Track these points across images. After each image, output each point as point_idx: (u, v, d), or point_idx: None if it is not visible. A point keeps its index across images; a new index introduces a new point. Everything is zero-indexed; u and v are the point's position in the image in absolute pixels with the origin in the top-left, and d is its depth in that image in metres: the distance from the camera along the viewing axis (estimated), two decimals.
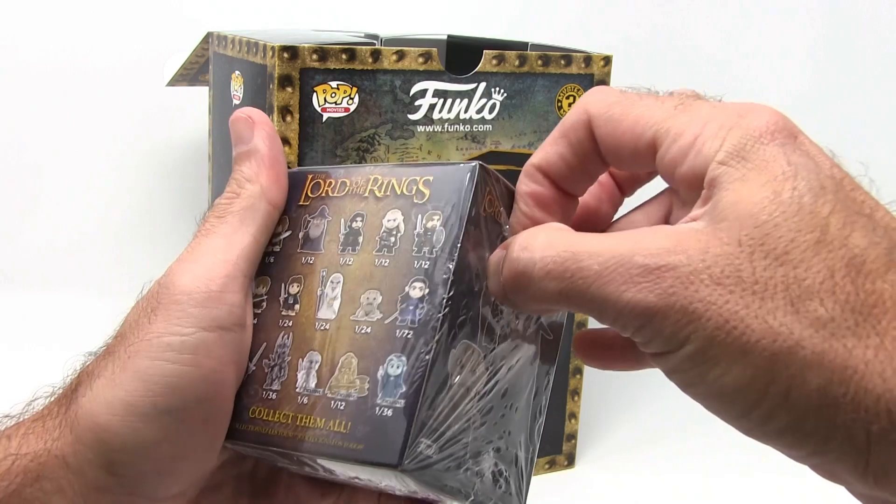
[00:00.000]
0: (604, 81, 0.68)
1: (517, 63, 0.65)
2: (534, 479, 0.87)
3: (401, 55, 0.61)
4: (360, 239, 0.33)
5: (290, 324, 0.33)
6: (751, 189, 0.25)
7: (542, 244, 0.27)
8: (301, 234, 0.34)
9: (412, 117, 0.62)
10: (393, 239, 0.32)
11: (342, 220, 0.34)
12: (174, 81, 0.87)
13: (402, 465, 0.28)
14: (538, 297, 0.27)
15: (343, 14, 0.98)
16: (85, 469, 0.31)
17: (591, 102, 0.30)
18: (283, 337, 0.33)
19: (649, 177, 0.33)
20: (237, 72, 0.67)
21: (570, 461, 0.77)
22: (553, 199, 0.31)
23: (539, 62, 0.65)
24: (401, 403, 0.29)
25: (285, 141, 0.60)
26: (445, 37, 0.79)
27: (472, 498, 0.31)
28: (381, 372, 0.30)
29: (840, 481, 0.25)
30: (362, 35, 0.72)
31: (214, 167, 0.77)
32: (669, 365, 0.25)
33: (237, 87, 0.67)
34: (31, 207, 1.01)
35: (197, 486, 0.35)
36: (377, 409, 0.29)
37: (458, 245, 0.30)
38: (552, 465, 0.76)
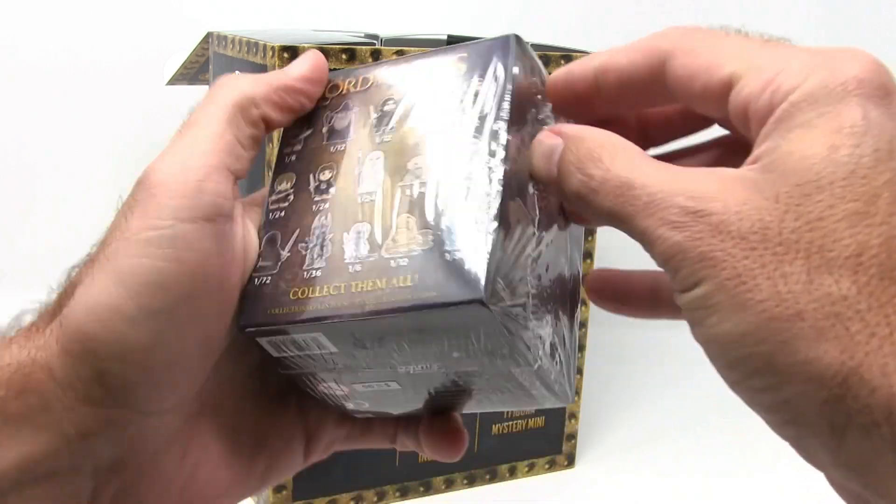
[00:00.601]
0: None
1: None
2: (534, 479, 0.87)
3: (401, 55, 0.61)
4: (395, 118, 0.33)
5: (327, 206, 0.32)
6: (810, 140, 0.24)
7: (607, 163, 0.27)
8: (325, 129, 0.34)
9: None
10: (433, 109, 0.32)
11: (371, 107, 0.34)
12: (174, 80, 0.87)
13: (487, 300, 0.27)
14: (592, 209, 0.27)
15: (343, 14, 0.98)
16: (73, 382, 0.29)
17: (671, 34, 0.29)
18: (319, 219, 0.32)
19: (687, 126, 0.32)
20: (237, 72, 0.67)
21: (570, 461, 0.77)
22: (591, 92, 0.31)
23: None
24: (474, 244, 0.28)
25: None
26: (445, 37, 0.79)
27: (539, 364, 0.31)
28: (444, 222, 0.29)
29: (817, 463, 0.25)
30: (362, 35, 0.72)
31: None
32: (681, 302, 0.25)
33: None
34: (30, 207, 1.01)
35: (195, 401, 0.33)
36: (446, 255, 0.29)
37: (508, 98, 0.31)
38: (552, 465, 0.76)
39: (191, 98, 1.03)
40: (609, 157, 0.27)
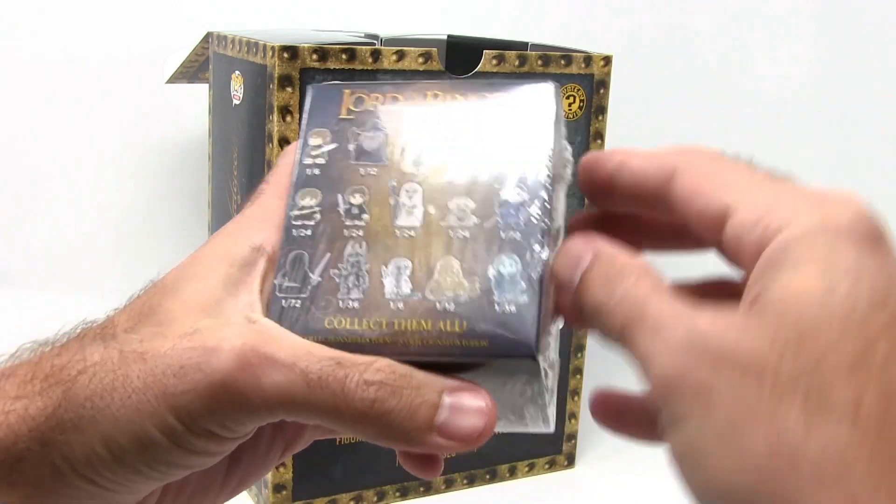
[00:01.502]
0: (604, 81, 0.68)
1: (517, 63, 0.65)
2: (534, 479, 0.87)
3: (401, 55, 0.61)
4: (431, 151, 0.33)
5: (361, 233, 0.32)
6: (804, 280, 0.24)
7: (629, 284, 0.27)
8: (352, 147, 0.34)
9: None
10: (474, 148, 0.33)
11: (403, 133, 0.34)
12: (174, 78, 0.87)
13: (538, 356, 0.29)
14: (603, 323, 0.28)
15: (343, 14, 0.98)
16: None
17: (686, 150, 0.29)
18: (353, 246, 0.32)
19: (692, 243, 0.32)
20: (237, 72, 0.67)
21: (570, 461, 0.77)
22: (609, 185, 0.31)
23: (539, 62, 0.65)
24: (524, 299, 0.30)
25: (285, 141, 0.60)
26: (445, 37, 0.79)
27: (549, 400, 0.32)
28: (491, 272, 0.30)
29: None
30: (362, 35, 0.72)
31: (214, 167, 0.77)
32: (671, 437, 0.25)
33: (237, 87, 0.67)
34: (30, 207, 1.01)
35: None
36: (496, 306, 0.30)
37: (551, 154, 0.32)
38: (552, 465, 0.76)
39: (191, 97, 1.03)
40: (633, 280, 0.28)
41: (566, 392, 0.74)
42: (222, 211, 0.75)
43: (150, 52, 0.94)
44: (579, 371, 0.75)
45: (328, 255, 0.32)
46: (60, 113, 0.99)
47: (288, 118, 0.60)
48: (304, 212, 0.33)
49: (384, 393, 0.28)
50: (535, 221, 0.31)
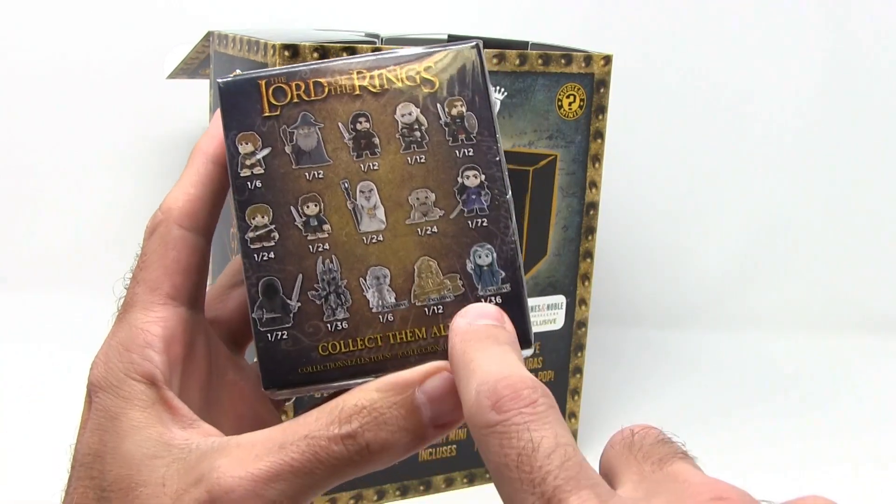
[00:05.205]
0: (604, 81, 0.68)
1: (517, 62, 0.65)
2: None
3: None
4: (376, 140, 0.31)
5: (327, 247, 0.30)
6: None
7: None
8: (288, 149, 0.31)
9: None
10: (418, 133, 0.31)
11: (339, 124, 0.31)
12: (175, 74, 0.87)
13: (533, 341, 0.30)
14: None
15: (343, 13, 0.98)
16: None
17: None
18: (323, 263, 0.30)
19: None
20: (238, 70, 0.67)
21: None
22: None
23: (539, 61, 0.65)
24: (507, 288, 0.30)
25: None
26: (446, 36, 0.79)
27: None
28: (469, 265, 0.30)
29: None
30: (363, 34, 0.72)
31: None
32: None
33: None
34: (30, 206, 1.01)
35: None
36: (483, 300, 0.30)
37: (495, 125, 0.31)
38: None
39: (192, 94, 1.03)
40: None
41: (566, 392, 0.74)
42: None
43: (151, 52, 0.94)
44: (579, 371, 0.75)
45: (300, 276, 0.30)
46: (61, 111, 0.99)
47: None
48: (260, 232, 0.31)
49: (370, 434, 0.27)
50: (497, 203, 0.30)
